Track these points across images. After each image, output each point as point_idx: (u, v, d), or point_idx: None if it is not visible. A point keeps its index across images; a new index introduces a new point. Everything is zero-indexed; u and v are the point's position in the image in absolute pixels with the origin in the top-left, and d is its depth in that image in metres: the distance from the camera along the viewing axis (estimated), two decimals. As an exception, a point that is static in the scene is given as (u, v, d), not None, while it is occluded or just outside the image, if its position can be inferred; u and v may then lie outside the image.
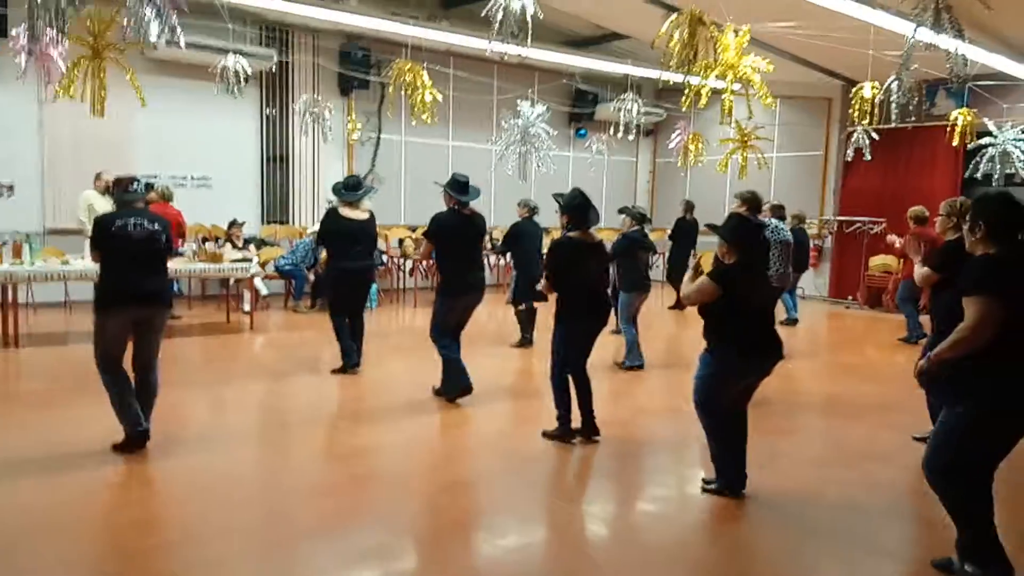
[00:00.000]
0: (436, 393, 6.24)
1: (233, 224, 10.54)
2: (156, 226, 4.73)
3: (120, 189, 4.82)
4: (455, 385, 6.08)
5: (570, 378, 5.20)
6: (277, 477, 4.66)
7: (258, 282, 10.11)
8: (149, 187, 5.03)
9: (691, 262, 5.58)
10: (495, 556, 3.72)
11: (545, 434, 5.27)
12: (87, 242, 8.73)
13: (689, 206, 12.04)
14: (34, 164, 10.18)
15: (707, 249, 11.53)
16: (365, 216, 6.93)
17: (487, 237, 6.46)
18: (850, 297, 13.17)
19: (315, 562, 3.51)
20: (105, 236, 4.62)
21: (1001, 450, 3.25)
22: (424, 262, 5.91)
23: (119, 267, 4.64)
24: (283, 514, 4.05)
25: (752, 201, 6.80)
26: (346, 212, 6.80)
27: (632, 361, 7.51)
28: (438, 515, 4.16)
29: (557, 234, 5.62)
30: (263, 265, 10.29)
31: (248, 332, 9.14)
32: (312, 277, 10.81)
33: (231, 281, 10.02)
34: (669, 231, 12.15)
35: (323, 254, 10.86)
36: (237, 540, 3.72)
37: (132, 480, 4.45)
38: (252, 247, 10.66)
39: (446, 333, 6.08)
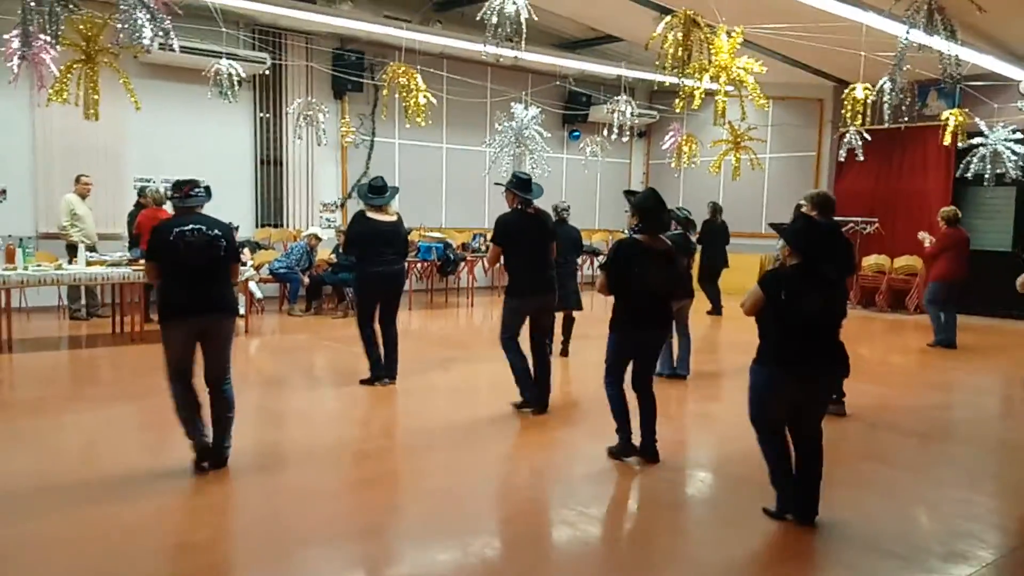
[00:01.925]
0: (518, 408, 5.99)
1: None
2: (216, 232, 4.49)
3: (181, 195, 4.53)
4: (528, 395, 5.87)
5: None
6: (276, 481, 4.64)
7: (252, 286, 10.09)
8: (208, 192, 4.75)
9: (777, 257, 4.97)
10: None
11: (610, 452, 4.91)
12: (80, 247, 8.83)
13: (717, 208, 11.75)
14: (26, 168, 10.14)
15: (735, 252, 11.40)
16: (394, 218, 6.70)
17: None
18: (844, 297, 13.18)
19: (314, 568, 3.51)
20: (163, 244, 4.38)
21: None
22: (493, 266, 5.50)
23: (179, 276, 4.41)
24: (282, 520, 4.04)
25: (824, 203, 6.08)
26: (373, 215, 6.57)
27: (661, 369, 7.01)
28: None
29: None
30: (257, 268, 10.27)
31: (243, 336, 9.11)
32: (307, 280, 10.80)
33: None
34: (699, 235, 11.76)
35: (317, 257, 10.92)
36: (234, 547, 3.71)
37: (130, 487, 4.41)
38: (246, 250, 10.63)
39: (516, 338, 5.85)
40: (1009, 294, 5.09)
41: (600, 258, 9.75)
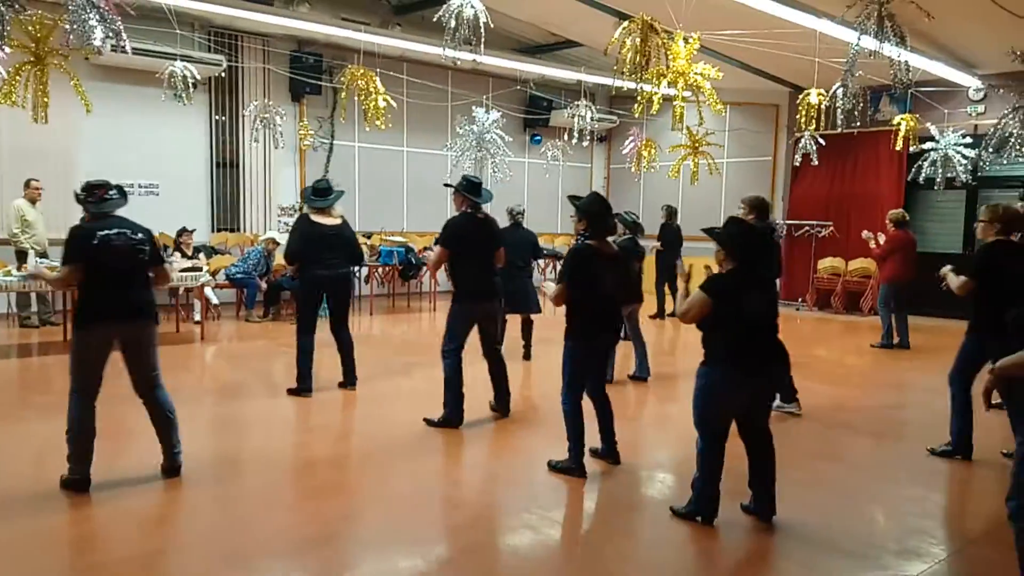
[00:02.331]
0: (494, 409, 5.98)
1: (182, 232, 10.34)
2: (140, 235, 4.36)
3: (95, 198, 4.37)
4: (453, 410, 5.68)
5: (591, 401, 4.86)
6: (231, 493, 4.56)
7: (208, 291, 9.93)
8: (124, 193, 4.62)
9: (679, 271, 5.14)
10: None
11: (551, 465, 4.79)
12: (31, 253, 8.61)
13: (672, 212, 11.88)
14: (-27, 172, 9.87)
15: (690, 256, 11.54)
16: (338, 221, 6.58)
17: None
18: (800, 299, 13.43)
19: (270, 576, 3.46)
20: (86, 248, 4.20)
21: None
22: (437, 271, 5.33)
23: (101, 281, 4.24)
24: (238, 530, 3.97)
25: (761, 207, 6.24)
26: (318, 218, 6.44)
27: (638, 373, 7.30)
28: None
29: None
30: (214, 274, 10.11)
31: (199, 343, 8.97)
32: (264, 285, 10.66)
33: (181, 290, 9.83)
34: (657, 238, 11.77)
35: (275, 262, 10.78)
36: (192, 559, 3.64)
37: (79, 500, 4.30)
38: (202, 255, 10.48)
39: (460, 349, 5.71)
40: (960, 296, 5.24)
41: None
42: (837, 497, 4.59)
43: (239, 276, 10.57)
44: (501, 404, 5.98)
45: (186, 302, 10.19)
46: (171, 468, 4.48)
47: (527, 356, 8.13)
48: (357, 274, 12.02)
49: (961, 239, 12.17)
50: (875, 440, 5.86)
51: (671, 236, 11.73)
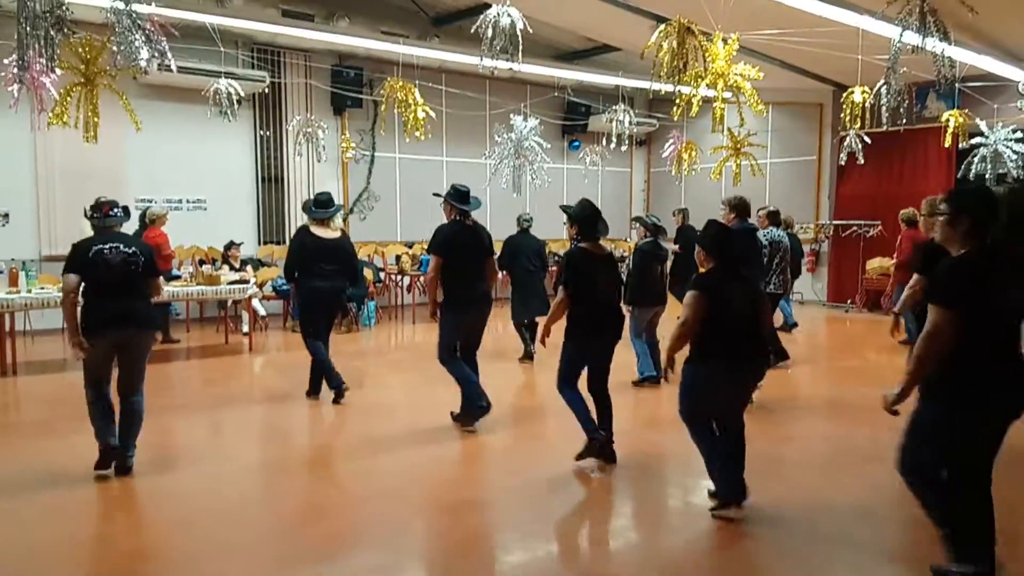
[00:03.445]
0: (455, 419, 5.93)
1: (230, 246, 10.56)
2: (132, 249, 4.74)
3: (100, 215, 4.80)
4: (470, 409, 5.79)
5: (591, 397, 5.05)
6: (279, 500, 4.63)
7: (256, 303, 10.11)
8: (127, 211, 4.96)
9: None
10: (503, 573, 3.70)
11: (579, 456, 4.97)
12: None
13: (685, 214, 11.79)
14: (28, 192, 10.20)
15: None
16: (337, 235, 6.68)
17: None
18: (849, 301, 13.18)
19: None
20: (84, 262, 4.63)
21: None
22: (435, 279, 5.40)
23: (98, 292, 4.66)
24: (285, 537, 4.03)
25: (740, 207, 6.65)
26: (317, 230, 6.54)
27: (646, 370, 7.19)
28: (443, 535, 4.14)
29: (557, 246, 5.58)
30: (261, 286, 10.29)
31: (247, 353, 9.12)
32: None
33: (229, 303, 10.02)
34: (674, 240, 11.77)
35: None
36: (237, 563, 3.70)
37: (131, 506, 4.43)
38: (249, 268, 10.66)
39: (454, 352, 5.82)
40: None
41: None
42: (889, 500, 4.49)
43: (285, 288, 10.72)
44: (468, 412, 5.85)
45: (234, 314, 10.38)
46: (123, 467, 4.76)
47: (530, 356, 8.39)
48: (385, 282, 12.20)
49: (1015, 236, 11.82)
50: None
51: (691, 236, 11.57)
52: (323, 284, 6.47)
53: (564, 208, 5.28)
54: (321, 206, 6.64)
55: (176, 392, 7.09)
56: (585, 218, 5.04)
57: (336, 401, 6.57)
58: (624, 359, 8.11)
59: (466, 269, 5.80)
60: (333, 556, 3.78)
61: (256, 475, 5.13)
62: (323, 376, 6.64)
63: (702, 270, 4.24)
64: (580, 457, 4.95)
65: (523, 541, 4.01)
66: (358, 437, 5.88)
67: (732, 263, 4.15)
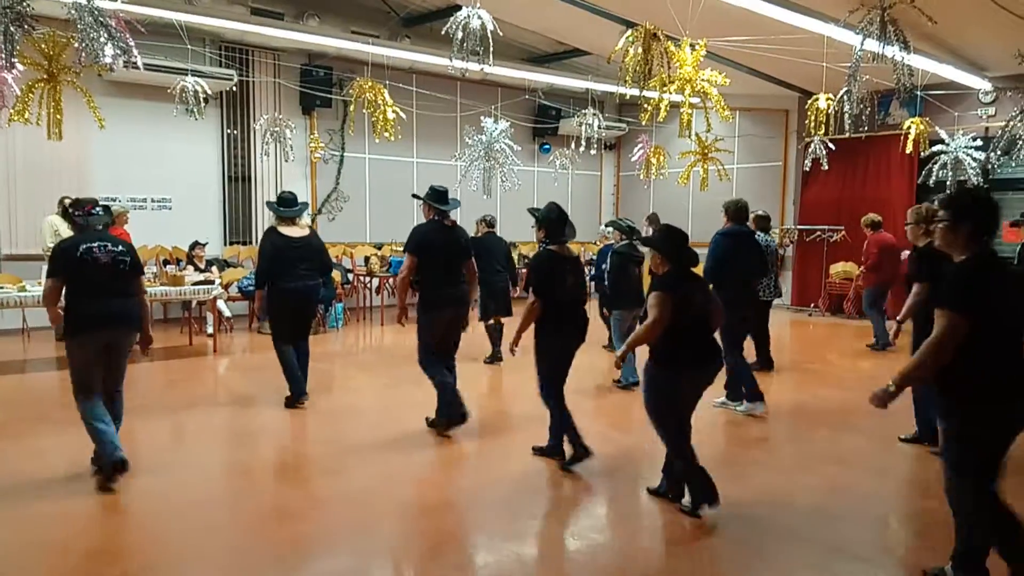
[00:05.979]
0: (430, 425, 5.90)
1: (195, 245, 10.44)
2: (120, 248, 4.71)
3: (83, 213, 4.75)
4: (447, 414, 5.74)
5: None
6: (244, 504, 4.59)
7: (221, 304, 10.00)
8: (108, 210, 4.93)
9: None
10: None
11: (536, 450, 5.26)
12: (45, 268, 8.69)
13: (655, 219, 11.86)
14: (-11, 189, 10.00)
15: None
16: (305, 232, 6.58)
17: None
18: (812, 304, 13.37)
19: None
20: (71, 261, 4.55)
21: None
22: (407, 278, 5.34)
23: (87, 292, 4.57)
24: (252, 540, 4.00)
25: (736, 212, 6.60)
26: (285, 229, 6.44)
27: (631, 377, 7.28)
28: (413, 538, 4.14)
29: (525, 248, 5.61)
30: (226, 287, 10.19)
31: (212, 355, 9.03)
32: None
33: (193, 303, 9.91)
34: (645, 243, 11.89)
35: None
36: (202, 568, 3.67)
37: (95, 510, 4.36)
38: (214, 268, 10.56)
39: (433, 355, 5.78)
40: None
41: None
42: (849, 501, 4.58)
43: (251, 288, 10.63)
44: (444, 417, 5.81)
45: (199, 315, 10.26)
46: (121, 467, 4.66)
47: (497, 359, 8.44)
48: (354, 283, 12.15)
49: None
50: (883, 444, 5.82)
51: None
52: (297, 285, 6.39)
53: (532, 211, 5.36)
54: (287, 204, 6.54)
55: (139, 394, 6.98)
56: (552, 221, 5.12)
57: (289, 406, 6.51)
58: (596, 363, 8.23)
59: (443, 270, 5.76)
60: (301, 560, 3.76)
61: (221, 479, 5.08)
62: (288, 378, 6.54)
63: (658, 272, 4.31)
64: (570, 464, 5.04)
65: (493, 543, 4.02)
66: (326, 440, 5.84)
67: (687, 265, 4.25)
